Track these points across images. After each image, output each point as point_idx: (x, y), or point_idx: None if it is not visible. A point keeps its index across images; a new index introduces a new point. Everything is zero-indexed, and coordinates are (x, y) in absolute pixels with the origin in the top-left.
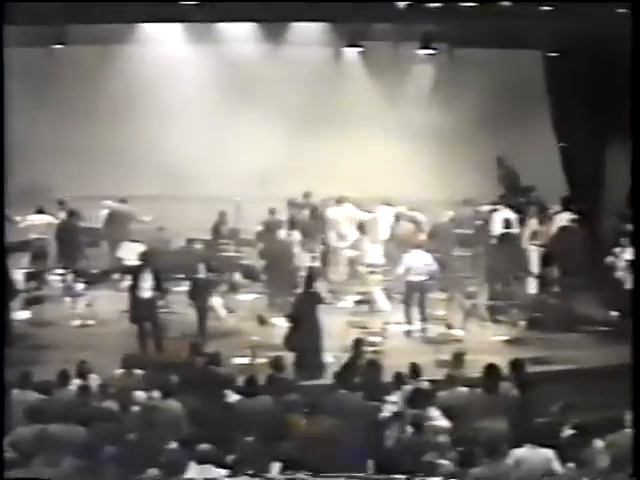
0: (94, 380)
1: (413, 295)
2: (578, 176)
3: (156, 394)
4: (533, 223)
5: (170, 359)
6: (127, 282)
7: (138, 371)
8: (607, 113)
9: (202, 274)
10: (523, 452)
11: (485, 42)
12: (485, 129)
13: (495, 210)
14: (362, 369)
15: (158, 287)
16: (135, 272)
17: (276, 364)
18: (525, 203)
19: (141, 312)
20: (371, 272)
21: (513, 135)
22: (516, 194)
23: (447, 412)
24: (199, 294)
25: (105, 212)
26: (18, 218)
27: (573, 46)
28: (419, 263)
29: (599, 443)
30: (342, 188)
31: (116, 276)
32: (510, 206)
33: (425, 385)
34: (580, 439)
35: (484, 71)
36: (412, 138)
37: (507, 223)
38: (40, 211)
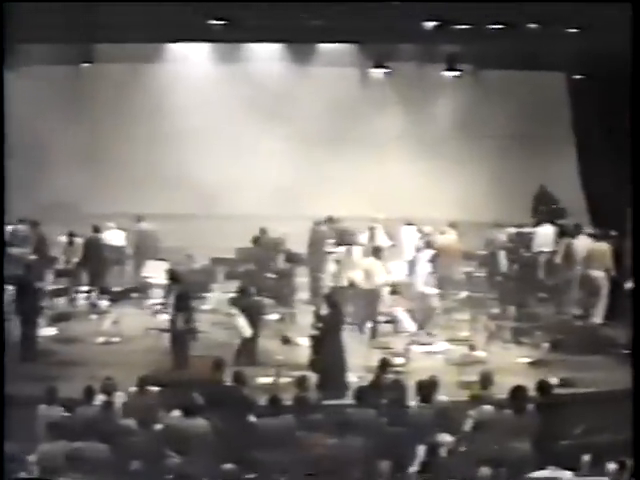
0: (118, 397)
1: None
2: (602, 198)
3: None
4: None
5: (195, 377)
6: (154, 300)
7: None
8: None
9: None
10: (544, 474)
11: (510, 64)
12: (509, 151)
13: (531, 233)
14: (386, 389)
15: (186, 305)
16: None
17: (301, 384)
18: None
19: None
20: (394, 292)
21: (537, 156)
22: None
23: (473, 432)
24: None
25: (132, 230)
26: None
27: (597, 68)
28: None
29: (620, 466)
30: (367, 208)
31: (141, 294)
32: (551, 223)
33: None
34: (601, 462)
35: (509, 93)
36: (437, 159)
37: (527, 246)
38: None
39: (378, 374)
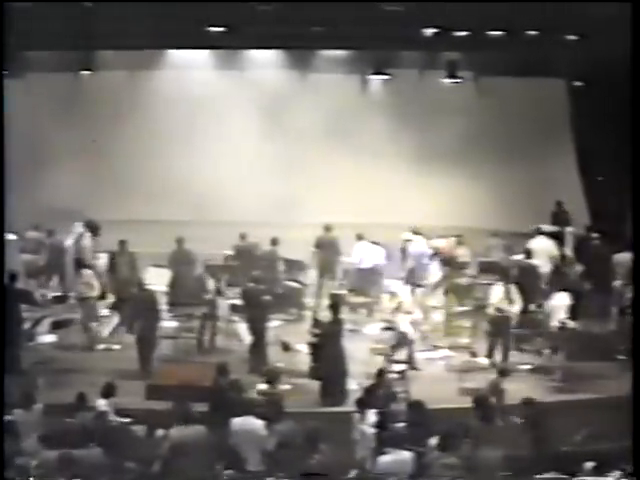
0: (117, 404)
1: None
2: (602, 204)
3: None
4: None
5: (194, 384)
6: None
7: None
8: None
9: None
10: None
11: (511, 71)
12: (509, 157)
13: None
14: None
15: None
16: None
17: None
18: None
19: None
20: (394, 298)
21: (537, 163)
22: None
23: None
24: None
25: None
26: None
27: (597, 75)
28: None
29: (620, 473)
30: (366, 216)
31: None
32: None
33: None
34: (602, 468)
35: (509, 99)
36: (436, 165)
37: (528, 253)
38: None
39: (376, 382)
